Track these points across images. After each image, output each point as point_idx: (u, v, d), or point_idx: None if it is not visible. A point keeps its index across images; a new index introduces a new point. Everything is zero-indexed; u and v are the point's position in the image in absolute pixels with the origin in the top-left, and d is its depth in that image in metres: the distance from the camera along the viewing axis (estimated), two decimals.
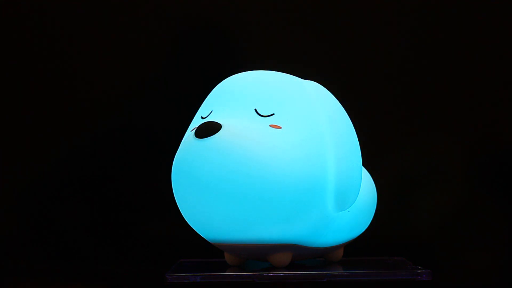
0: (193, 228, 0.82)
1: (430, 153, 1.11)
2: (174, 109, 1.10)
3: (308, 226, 0.78)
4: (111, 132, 1.12)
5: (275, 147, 0.75)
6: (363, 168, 0.84)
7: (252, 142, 0.75)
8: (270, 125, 0.77)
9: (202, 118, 0.81)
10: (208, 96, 0.83)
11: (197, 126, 0.78)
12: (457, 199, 1.11)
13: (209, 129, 0.76)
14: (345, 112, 0.82)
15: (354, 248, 0.90)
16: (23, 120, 1.12)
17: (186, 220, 0.82)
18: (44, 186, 1.12)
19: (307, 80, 0.82)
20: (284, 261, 0.80)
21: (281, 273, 0.78)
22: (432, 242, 1.10)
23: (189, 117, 0.84)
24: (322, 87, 0.82)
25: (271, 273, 0.78)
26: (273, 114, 0.78)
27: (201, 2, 1.12)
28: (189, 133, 0.80)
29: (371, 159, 0.90)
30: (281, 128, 0.77)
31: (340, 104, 0.82)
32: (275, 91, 0.79)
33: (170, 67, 1.12)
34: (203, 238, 0.82)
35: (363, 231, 0.87)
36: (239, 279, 0.78)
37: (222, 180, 0.75)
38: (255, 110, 0.78)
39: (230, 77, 0.83)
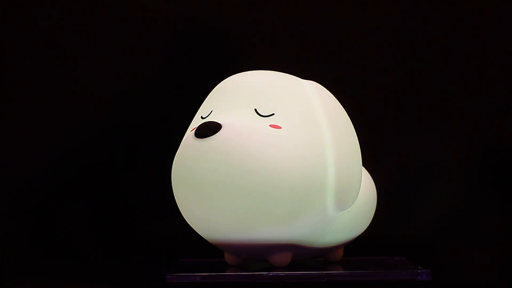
0: (193, 228, 0.82)
1: (430, 153, 1.11)
2: (174, 109, 1.10)
3: (308, 226, 0.78)
4: (111, 132, 1.12)
5: (275, 147, 0.75)
6: (363, 168, 0.84)
7: (252, 142, 0.75)
8: (270, 125, 0.77)
9: (202, 118, 0.81)
10: (208, 96, 0.83)
11: (197, 126, 0.78)
12: (457, 199, 1.11)
13: (209, 129, 0.76)
14: (345, 112, 0.82)
15: (354, 248, 0.90)
16: (23, 119, 1.12)
17: (186, 220, 0.82)
18: (43, 186, 1.12)
19: (307, 80, 0.82)
20: (284, 261, 0.80)
21: (281, 273, 0.78)
22: (432, 242, 1.10)
23: (189, 117, 0.84)
24: (322, 87, 0.82)
25: (271, 273, 0.78)
26: (273, 114, 0.78)
27: (202, 1, 1.12)
28: (189, 133, 0.80)
29: (371, 159, 0.90)
30: (281, 128, 0.77)
31: (340, 104, 0.82)
32: (275, 91, 0.79)
33: (169, 67, 1.12)
34: (203, 238, 0.82)
35: (363, 231, 0.87)
36: (239, 279, 0.78)
37: (221, 180, 0.75)
38: (255, 110, 0.78)
39: (230, 77, 0.83)
